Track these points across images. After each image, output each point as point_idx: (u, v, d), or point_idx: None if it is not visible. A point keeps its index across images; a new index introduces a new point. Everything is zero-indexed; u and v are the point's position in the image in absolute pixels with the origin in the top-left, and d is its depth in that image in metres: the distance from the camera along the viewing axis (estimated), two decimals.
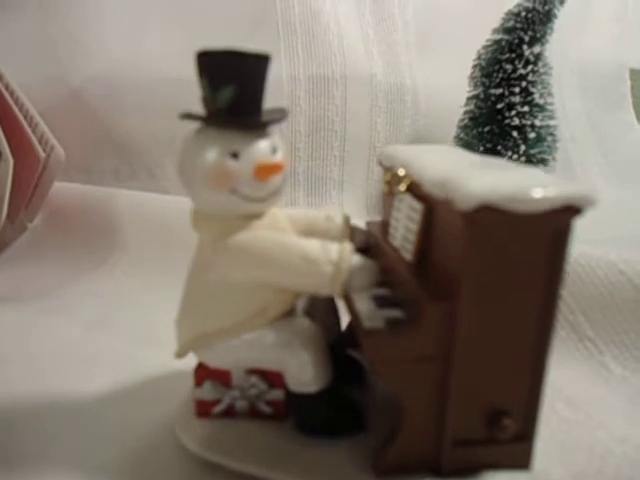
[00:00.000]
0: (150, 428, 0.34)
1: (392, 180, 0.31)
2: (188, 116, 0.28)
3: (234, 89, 0.26)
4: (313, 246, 0.28)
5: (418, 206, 0.28)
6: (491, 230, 0.23)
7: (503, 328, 0.25)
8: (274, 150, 0.28)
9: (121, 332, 0.48)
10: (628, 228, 0.66)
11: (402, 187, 0.30)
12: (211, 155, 0.27)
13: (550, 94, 0.69)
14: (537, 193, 0.22)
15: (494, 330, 0.25)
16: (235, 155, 0.27)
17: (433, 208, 0.27)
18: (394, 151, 0.34)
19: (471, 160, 0.31)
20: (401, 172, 0.30)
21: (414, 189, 0.29)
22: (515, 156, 0.67)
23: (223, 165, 0.27)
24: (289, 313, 0.31)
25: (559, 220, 0.23)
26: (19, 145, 0.54)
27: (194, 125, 0.29)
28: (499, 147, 0.68)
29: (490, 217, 0.22)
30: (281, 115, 0.29)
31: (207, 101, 0.27)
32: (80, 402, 0.37)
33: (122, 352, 0.44)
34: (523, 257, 0.24)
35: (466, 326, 0.25)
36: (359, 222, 0.37)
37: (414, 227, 0.29)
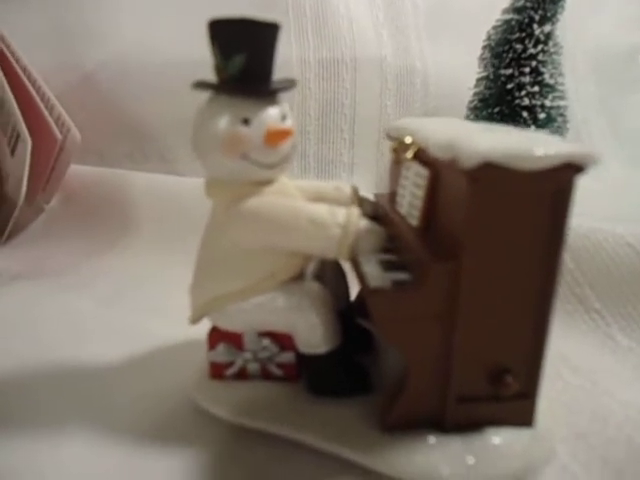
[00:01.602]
0: (165, 393, 0.35)
1: (399, 148, 0.32)
2: (200, 84, 0.28)
3: (245, 57, 0.27)
4: (321, 210, 0.29)
5: (424, 172, 0.29)
6: (494, 188, 0.24)
7: (506, 287, 0.26)
8: (284, 117, 0.29)
9: (134, 306, 0.50)
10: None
11: (409, 154, 0.30)
12: (223, 121, 0.28)
13: (561, 74, 0.68)
14: (539, 150, 0.22)
15: (497, 289, 0.26)
16: (246, 121, 0.28)
17: (439, 173, 0.28)
18: (403, 122, 0.35)
19: (476, 126, 0.31)
20: (408, 140, 0.31)
21: (421, 156, 0.30)
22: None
23: (235, 131, 0.28)
24: (299, 277, 0.32)
25: (561, 178, 0.23)
26: (37, 126, 0.56)
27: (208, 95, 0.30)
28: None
29: (493, 174, 0.23)
30: (290, 84, 0.30)
31: (219, 69, 0.28)
32: (96, 371, 0.38)
33: (135, 324, 0.45)
34: (526, 215, 0.24)
35: (469, 285, 0.25)
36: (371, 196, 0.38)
37: (420, 193, 0.29)
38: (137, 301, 0.51)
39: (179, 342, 0.42)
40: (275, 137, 0.28)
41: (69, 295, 0.52)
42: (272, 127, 0.28)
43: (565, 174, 0.23)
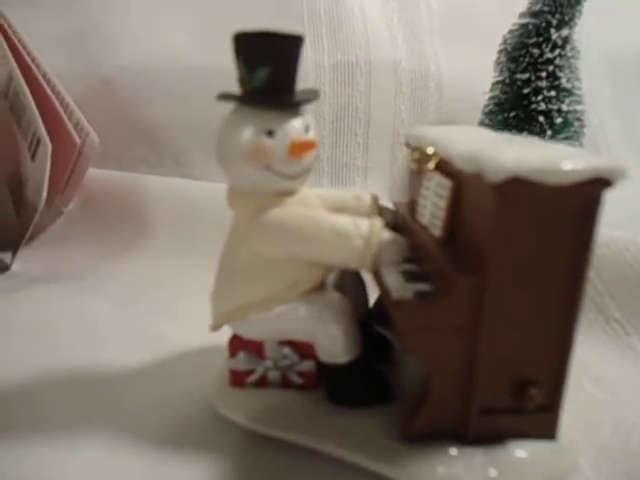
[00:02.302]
0: (183, 400, 0.35)
1: (421, 158, 0.32)
2: (225, 96, 0.29)
3: (269, 69, 0.27)
4: (344, 221, 0.29)
5: (447, 183, 0.29)
6: (520, 202, 0.24)
7: (531, 300, 0.26)
8: (307, 128, 0.29)
9: (150, 310, 0.50)
10: None
11: (431, 165, 0.31)
12: (247, 133, 0.28)
13: (578, 78, 0.68)
14: (566, 165, 0.22)
15: (522, 302, 0.26)
16: (270, 133, 0.28)
17: (462, 184, 0.28)
18: (421, 131, 0.35)
19: (498, 137, 0.31)
20: (430, 150, 0.31)
21: (442, 167, 0.30)
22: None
23: (259, 142, 0.28)
24: (320, 287, 0.32)
25: (588, 192, 0.23)
26: (56, 131, 0.57)
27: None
28: (525, 133, 0.67)
29: (520, 189, 0.23)
30: (313, 95, 0.30)
31: (243, 81, 0.28)
32: (112, 375, 0.39)
33: (151, 328, 0.46)
34: (552, 230, 0.24)
35: (493, 298, 0.25)
36: (389, 205, 0.38)
37: (442, 204, 0.29)
38: (153, 304, 0.51)
39: (196, 348, 0.42)
40: (299, 149, 0.28)
41: (86, 298, 0.53)
42: (296, 139, 0.28)
43: (593, 189, 0.23)
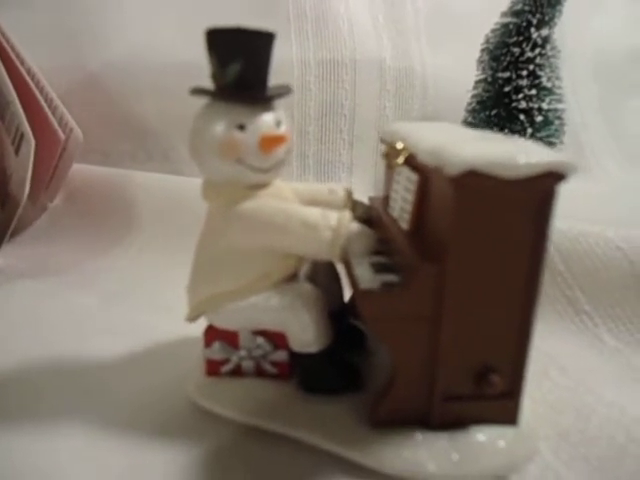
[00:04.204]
0: (166, 389, 0.36)
1: (390, 153, 0.33)
2: (198, 91, 0.29)
3: (241, 65, 0.28)
4: (313, 213, 0.30)
5: (414, 177, 0.30)
6: (478, 195, 0.25)
7: (491, 289, 0.27)
8: (278, 123, 0.30)
9: (137, 304, 0.50)
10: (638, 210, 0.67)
11: (400, 160, 0.31)
12: (219, 127, 0.29)
13: (558, 77, 0.69)
14: (521, 159, 0.23)
15: (483, 291, 0.27)
16: (241, 127, 0.29)
17: (427, 178, 0.29)
18: (395, 127, 0.35)
19: (467, 133, 0.32)
20: (399, 145, 0.32)
21: (411, 161, 0.31)
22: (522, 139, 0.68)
23: (230, 136, 0.29)
24: (293, 278, 0.33)
25: (543, 185, 0.24)
26: (40, 127, 0.57)
27: (206, 101, 0.31)
28: (506, 130, 0.69)
29: (477, 182, 0.24)
30: (285, 90, 0.30)
31: (216, 76, 0.29)
32: (96, 366, 0.39)
33: (138, 322, 0.46)
34: (510, 221, 0.25)
35: (455, 287, 0.26)
36: (366, 199, 0.39)
37: (410, 197, 0.30)
38: (140, 299, 0.52)
39: (181, 339, 0.42)
40: (269, 143, 0.29)
41: (72, 293, 0.53)
42: (266, 133, 0.29)
43: (547, 182, 0.24)
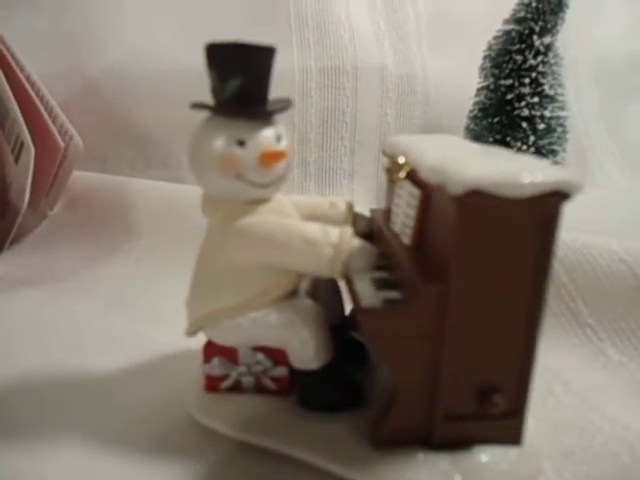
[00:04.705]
0: (164, 402, 0.36)
1: (392, 168, 0.32)
2: (198, 105, 0.29)
3: (241, 80, 0.28)
4: (314, 229, 0.29)
5: (416, 192, 0.29)
6: (481, 214, 0.24)
7: (494, 308, 0.26)
8: (279, 138, 0.30)
9: (136, 313, 0.50)
10: None
11: (402, 174, 0.31)
12: (219, 143, 0.28)
13: (561, 85, 0.69)
14: (525, 179, 0.23)
15: (486, 310, 0.26)
16: (241, 143, 0.29)
17: (430, 194, 0.28)
18: (397, 140, 0.35)
19: (470, 148, 0.32)
20: (401, 160, 0.31)
21: (413, 176, 0.30)
22: (524, 147, 0.68)
23: (230, 152, 0.28)
24: (292, 294, 0.32)
25: (547, 205, 0.24)
26: (40, 135, 0.57)
27: (206, 114, 0.30)
28: (509, 138, 0.68)
29: (480, 201, 0.23)
30: (285, 105, 0.30)
31: (215, 91, 0.29)
32: (95, 377, 0.39)
33: (136, 332, 0.46)
34: (513, 240, 0.25)
35: (458, 306, 0.26)
36: (368, 211, 0.39)
37: (412, 213, 0.30)
38: (139, 308, 0.52)
39: (180, 351, 0.42)
40: (269, 159, 0.29)
41: (71, 301, 0.53)
42: (267, 149, 0.29)
43: (552, 201, 0.24)
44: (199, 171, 0.30)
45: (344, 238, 0.29)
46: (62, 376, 0.39)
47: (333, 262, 0.29)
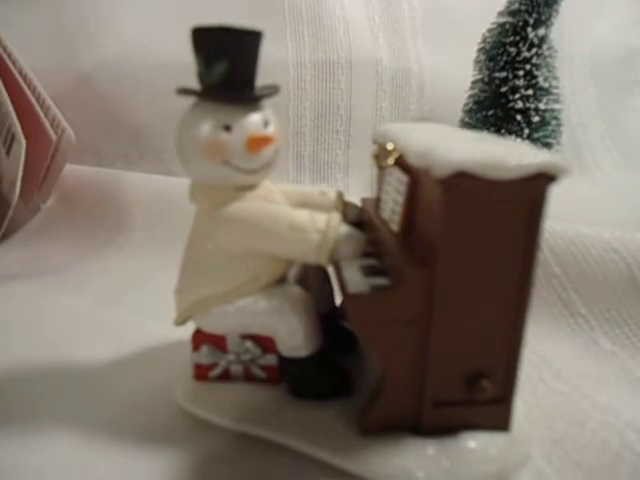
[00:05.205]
0: (151, 392, 0.36)
1: (381, 154, 0.32)
2: (184, 91, 0.29)
3: (227, 65, 0.28)
4: (302, 215, 0.29)
5: (404, 178, 0.29)
6: (468, 197, 0.24)
7: (482, 292, 0.26)
8: (266, 123, 0.30)
9: (130, 306, 0.50)
10: (636, 211, 0.66)
11: (390, 161, 0.31)
12: (205, 128, 0.28)
13: (555, 77, 0.68)
14: (511, 161, 0.23)
15: (472, 295, 0.26)
16: (228, 128, 0.28)
17: (417, 179, 0.28)
18: (387, 128, 0.35)
19: (458, 134, 0.31)
20: (389, 146, 0.31)
21: (402, 163, 0.30)
22: (519, 140, 0.67)
23: (216, 137, 0.28)
24: (281, 281, 0.32)
25: (534, 187, 0.24)
26: (32, 127, 0.57)
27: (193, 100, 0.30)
28: (503, 131, 0.68)
29: (466, 184, 0.23)
30: (273, 90, 0.30)
31: (202, 76, 0.29)
32: (87, 369, 0.39)
33: (131, 324, 0.46)
34: (500, 223, 0.25)
35: (445, 290, 0.26)
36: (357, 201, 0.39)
37: (400, 199, 0.30)
38: (133, 301, 0.51)
39: (173, 342, 0.42)
40: (256, 144, 0.28)
41: (64, 295, 0.53)
42: (253, 134, 0.28)
43: (538, 184, 0.24)
44: (186, 157, 0.30)
45: (331, 224, 0.29)
46: (54, 368, 0.39)
47: (320, 248, 0.29)
